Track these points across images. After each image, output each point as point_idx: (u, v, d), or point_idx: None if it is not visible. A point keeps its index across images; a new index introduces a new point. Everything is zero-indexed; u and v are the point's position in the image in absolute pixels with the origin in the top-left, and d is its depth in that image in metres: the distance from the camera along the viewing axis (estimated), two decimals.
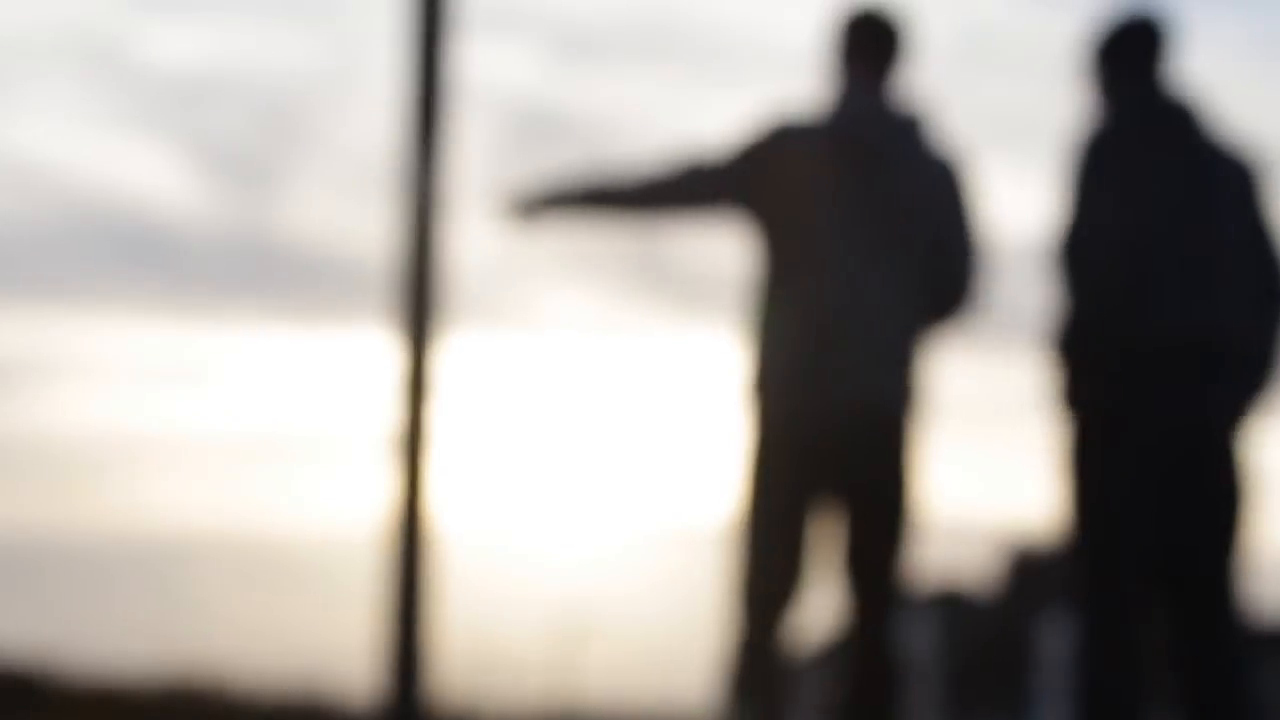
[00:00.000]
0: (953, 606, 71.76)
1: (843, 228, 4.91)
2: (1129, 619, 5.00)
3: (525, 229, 5.08)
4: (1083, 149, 5.04)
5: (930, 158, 5.01)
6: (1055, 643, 25.41)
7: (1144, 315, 4.94)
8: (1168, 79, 5.18)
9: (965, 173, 5.06)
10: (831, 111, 5.06)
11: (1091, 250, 4.95)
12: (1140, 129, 5.08)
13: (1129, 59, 5.17)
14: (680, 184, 5.00)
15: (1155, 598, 5.06)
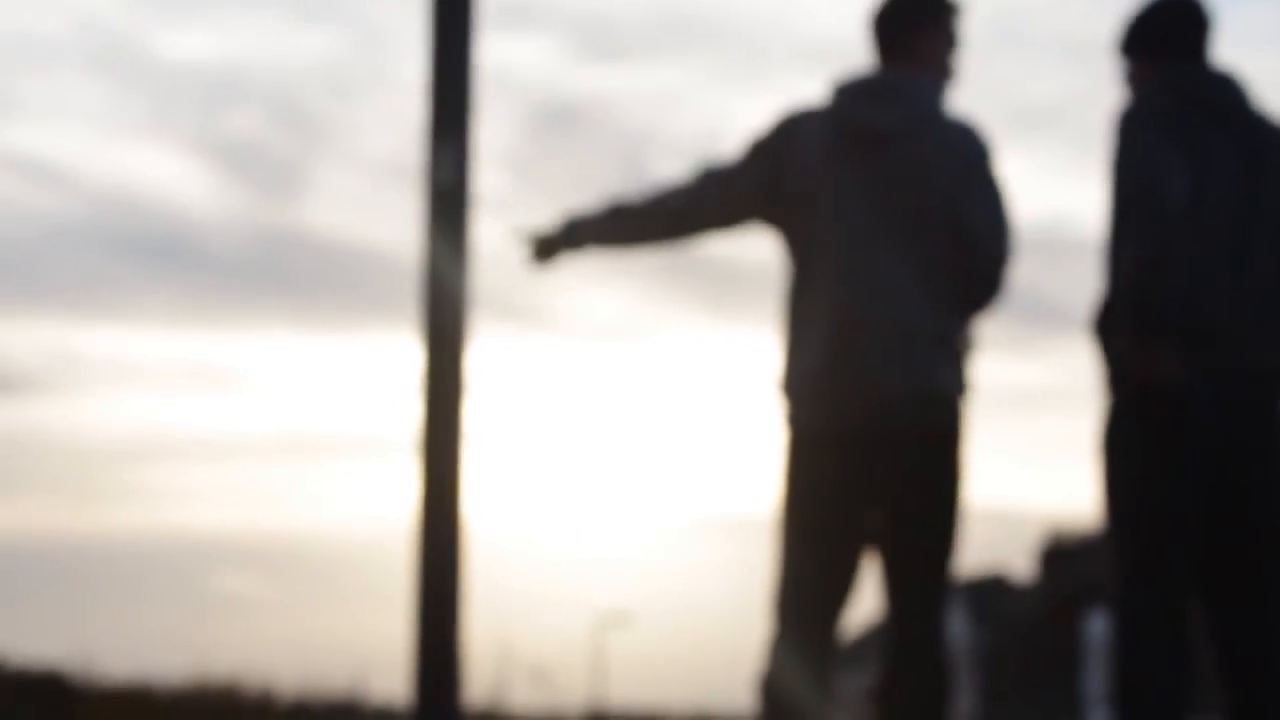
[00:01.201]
0: (992, 593, 71.79)
1: (856, 215, 4.84)
2: (1169, 615, 4.92)
3: (548, 265, 5.01)
4: (1129, 119, 4.96)
5: (949, 135, 4.92)
6: (1100, 631, 25.37)
7: (1192, 294, 4.86)
8: (1212, 57, 5.12)
9: (988, 151, 4.97)
10: (837, 92, 4.99)
11: (1149, 214, 4.87)
12: (1191, 99, 5.00)
13: (1174, 36, 5.10)
14: (699, 192, 4.95)
15: (1200, 594, 4.99)
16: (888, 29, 4.98)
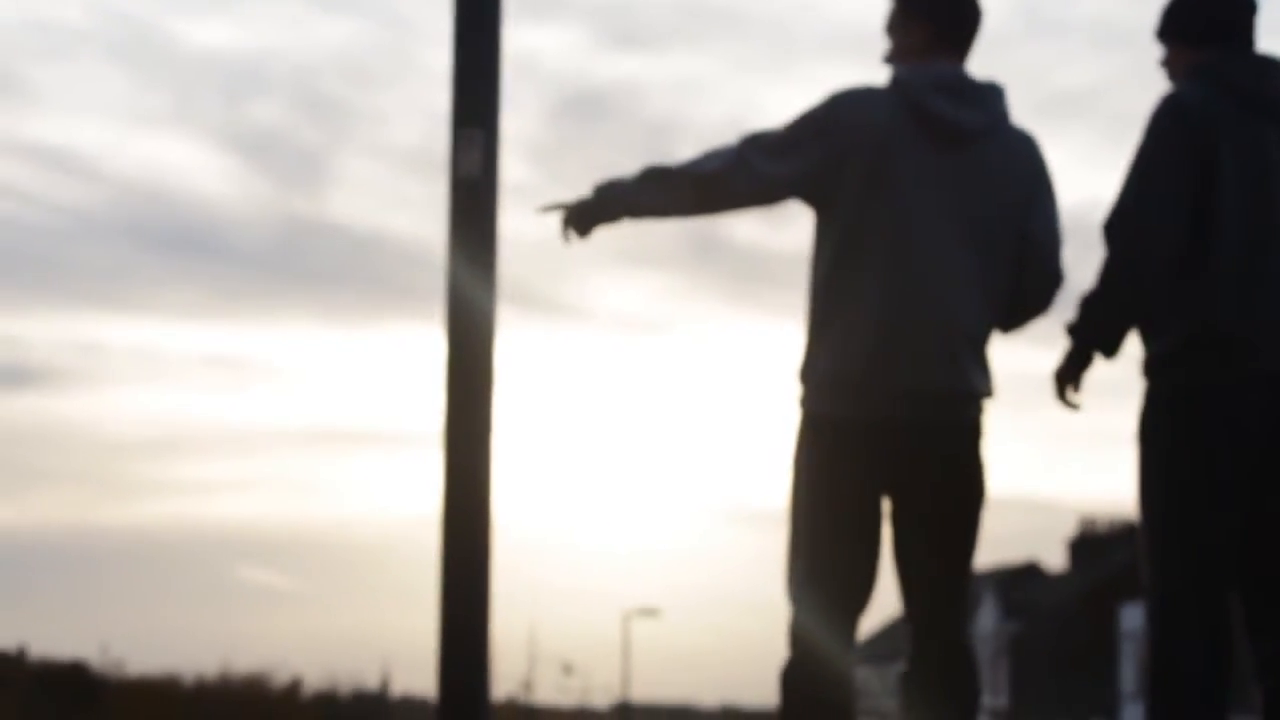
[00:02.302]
0: (1024, 583, 71.68)
1: (921, 206, 4.75)
2: (1206, 610, 4.86)
3: (582, 235, 4.85)
4: (1160, 116, 4.89)
5: (1020, 145, 4.83)
6: (1135, 623, 25.30)
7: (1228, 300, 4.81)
8: (1257, 43, 5.04)
9: (1048, 165, 4.90)
10: (904, 78, 4.87)
11: (1155, 221, 4.82)
12: (1232, 89, 4.91)
13: (1216, 21, 5.01)
14: (741, 162, 4.79)
15: (1240, 591, 4.92)
16: (971, 28, 4.89)
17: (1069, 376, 4.96)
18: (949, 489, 4.77)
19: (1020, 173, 4.78)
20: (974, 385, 4.76)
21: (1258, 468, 4.83)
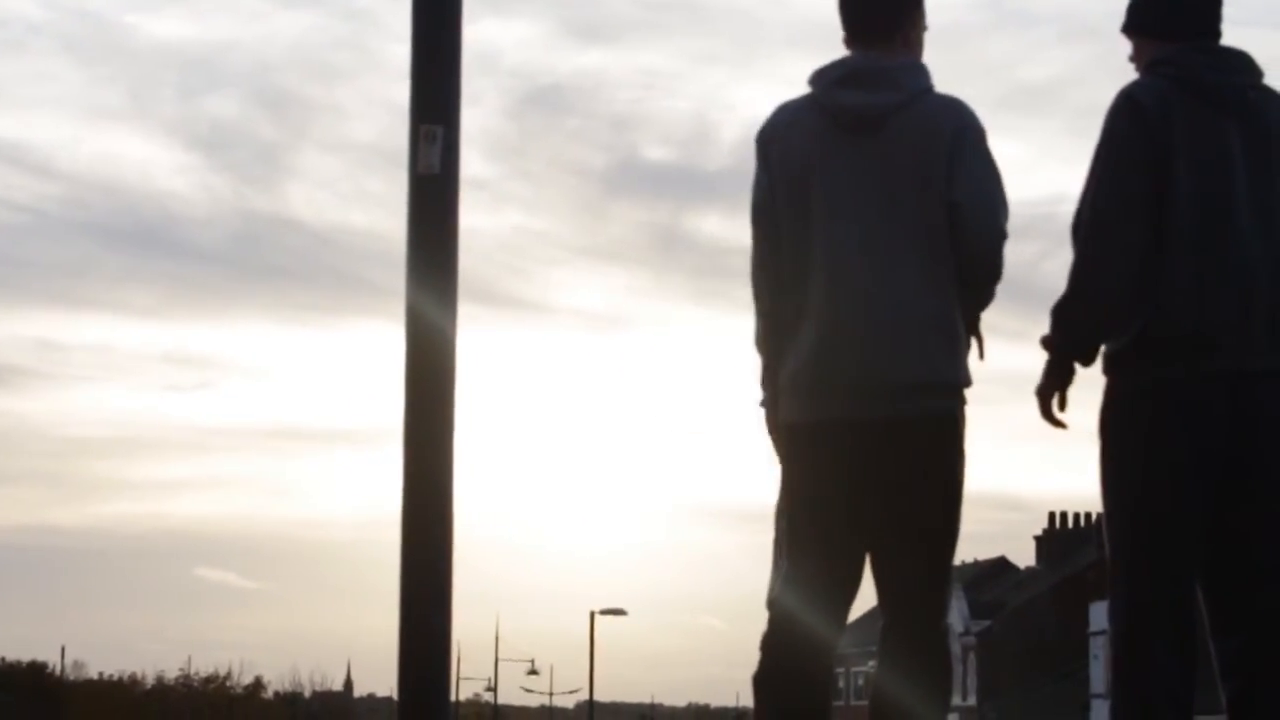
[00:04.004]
0: (994, 580, 71.83)
1: (848, 204, 4.76)
2: (1171, 608, 4.84)
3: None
4: (1117, 111, 4.87)
5: (937, 114, 4.81)
6: (1104, 620, 25.38)
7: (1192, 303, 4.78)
8: (1222, 35, 5.01)
9: (976, 126, 4.81)
10: (819, 80, 4.92)
11: (1121, 223, 4.80)
12: (1191, 84, 4.89)
13: (1181, 14, 4.99)
14: (762, 242, 4.92)
15: (1203, 590, 4.90)
16: (864, 15, 4.90)
17: (1052, 392, 4.91)
18: (916, 485, 4.74)
19: (938, 138, 4.75)
20: (932, 374, 4.72)
21: (1219, 465, 4.81)
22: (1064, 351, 4.89)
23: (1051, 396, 4.91)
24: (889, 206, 4.74)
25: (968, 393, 4.80)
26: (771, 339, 4.89)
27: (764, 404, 4.91)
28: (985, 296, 4.84)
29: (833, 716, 4.87)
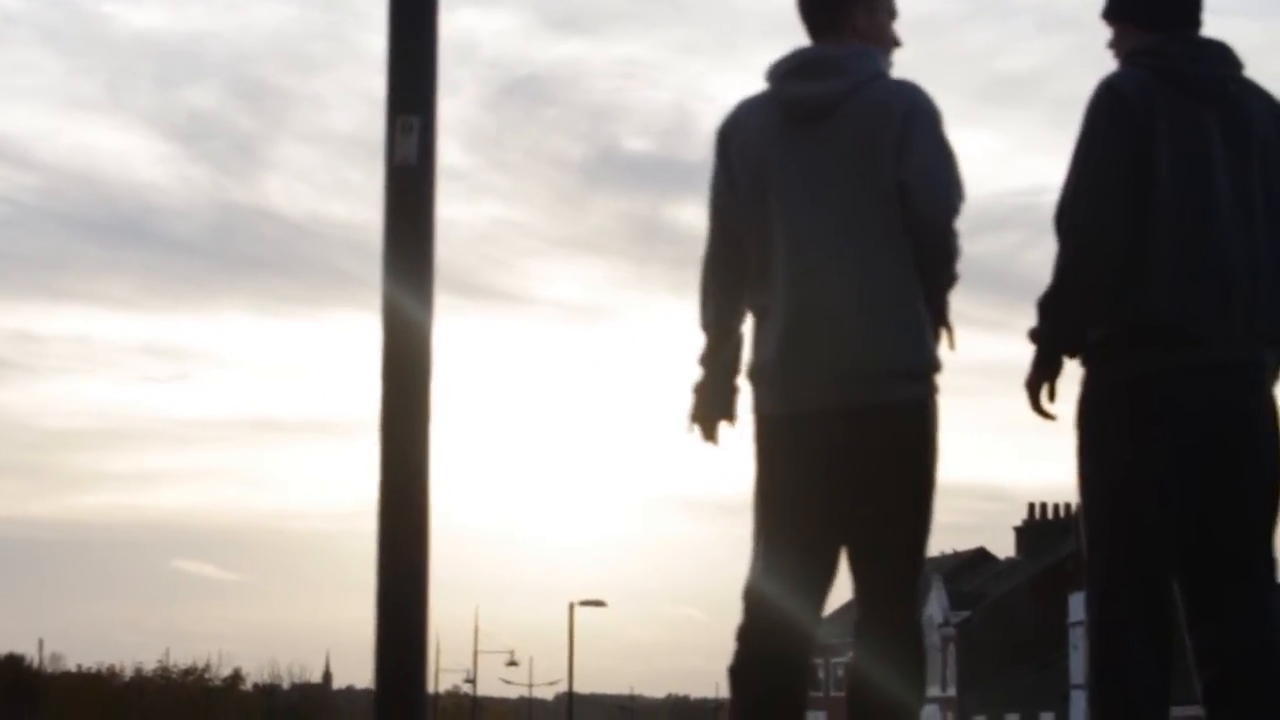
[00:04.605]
0: (974, 571, 71.85)
1: (802, 197, 4.78)
2: (1149, 599, 4.85)
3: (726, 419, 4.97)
4: (1097, 102, 4.87)
5: (886, 99, 4.79)
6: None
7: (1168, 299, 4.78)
8: (1203, 25, 5.01)
9: (927, 108, 4.79)
10: (770, 74, 4.93)
11: (1103, 215, 4.80)
12: (1170, 75, 4.89)
13: (1162, 3, 4.98)
14: (717, 232, 4.93)
15: (1179, 581, 4.91)
16: (815, 5, 4.92)
17: (1041, 384, 4.91)
18: (887, 474, 4.74)
19: (888, 122, 4.75)
20: (899, 361, 4.72)
21: (1198, 457, 4.82)
22: (1051, 344, 4.90)
23: (1040, 388, 4.91)
24: (845, 194, 4.75)
25: (939, 380, 4.80)
26: (713, 333, 4.92)
27: (697, 389, 4.93)
28: (944, 280, 4.82)
29: (809, 706, 4.88)
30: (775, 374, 4.79)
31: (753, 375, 4.86)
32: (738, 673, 4.83)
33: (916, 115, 4.75)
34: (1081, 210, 4.82)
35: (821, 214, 4.74)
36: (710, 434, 4.98)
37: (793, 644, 4.80)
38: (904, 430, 4.73)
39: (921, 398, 4.75)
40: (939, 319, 4.81)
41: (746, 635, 4.82)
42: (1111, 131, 4.83)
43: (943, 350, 4.82)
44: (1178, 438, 4.80)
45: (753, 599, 4.82)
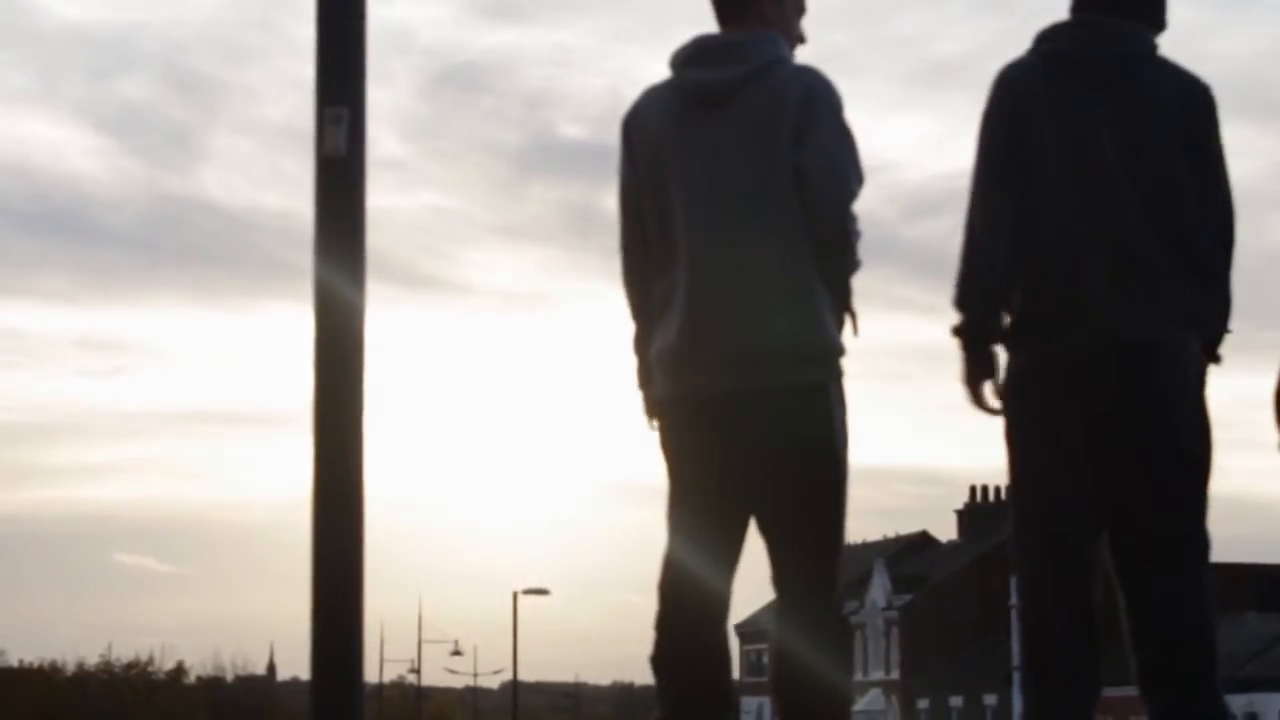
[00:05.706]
0: (915, 555, 71.99)
1: (700, 182, 4.79)
2: (1071, 581, 4.87)
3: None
4: (993, 88, 4.91)
5: (786, 84, 4.77)
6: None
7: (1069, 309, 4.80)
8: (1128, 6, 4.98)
9: (827, 92, 4.80)
10: (672, 60, 4.93)
11: (991, 203, 4.83)
12: (1064, 60, 4.90)
13: None
14: (626, 223, 4.95)
15: (1110, 561, 4.94)
16: None
17: (978, 380, 4.93)
18: (789, 456, 4.74)
19: (784, 107, 4.76)
20: (796, 343, 4.72)
21: (1105, 438, 4.84)
22: (971, 335, 4.93)
23: (979, 384, 4.93)
24: (743, 179, 4.76)
25: (844, 364, 4.81)
26: (640, 319, 4.93)
27: (640, 385, 4.98)
28: (845, 265, 4.81)
29: (733, 688, 4.91)
30: (673, 358, 4.80)
31: (656, 360, 4.86)
32: (659, 662, 4.85)
33: (815, 100, 4.76)
34: (974, 199, 4.89)
35: (719, 200, 4.76)
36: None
37: (708, 632, 4.82)
38: (804, 412, 4.72)
39: (823, 379, 4.74)
40: (842, 304, 4.80)
41: (663, 626, 4.85)
42: (995, 119, 4.89)
43: (864, 336, 4.83)
44: (1084, 418, 4.81)
45: (665, 588, 4.84)
